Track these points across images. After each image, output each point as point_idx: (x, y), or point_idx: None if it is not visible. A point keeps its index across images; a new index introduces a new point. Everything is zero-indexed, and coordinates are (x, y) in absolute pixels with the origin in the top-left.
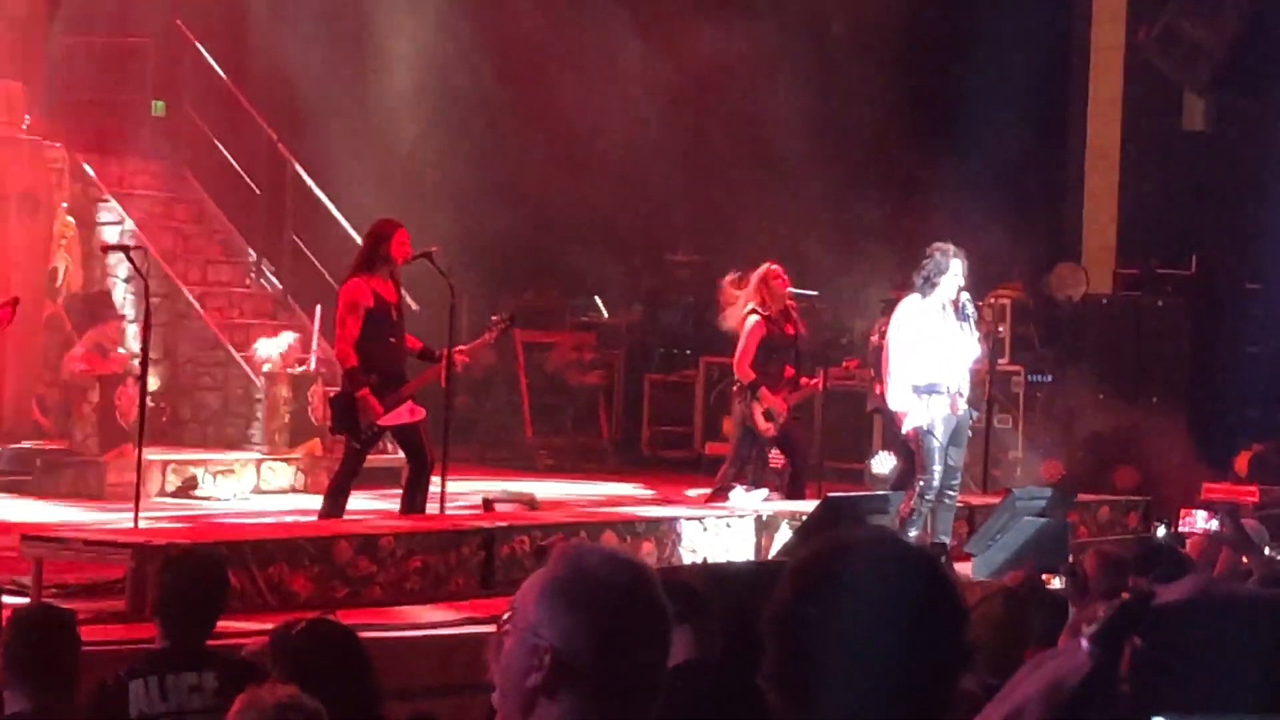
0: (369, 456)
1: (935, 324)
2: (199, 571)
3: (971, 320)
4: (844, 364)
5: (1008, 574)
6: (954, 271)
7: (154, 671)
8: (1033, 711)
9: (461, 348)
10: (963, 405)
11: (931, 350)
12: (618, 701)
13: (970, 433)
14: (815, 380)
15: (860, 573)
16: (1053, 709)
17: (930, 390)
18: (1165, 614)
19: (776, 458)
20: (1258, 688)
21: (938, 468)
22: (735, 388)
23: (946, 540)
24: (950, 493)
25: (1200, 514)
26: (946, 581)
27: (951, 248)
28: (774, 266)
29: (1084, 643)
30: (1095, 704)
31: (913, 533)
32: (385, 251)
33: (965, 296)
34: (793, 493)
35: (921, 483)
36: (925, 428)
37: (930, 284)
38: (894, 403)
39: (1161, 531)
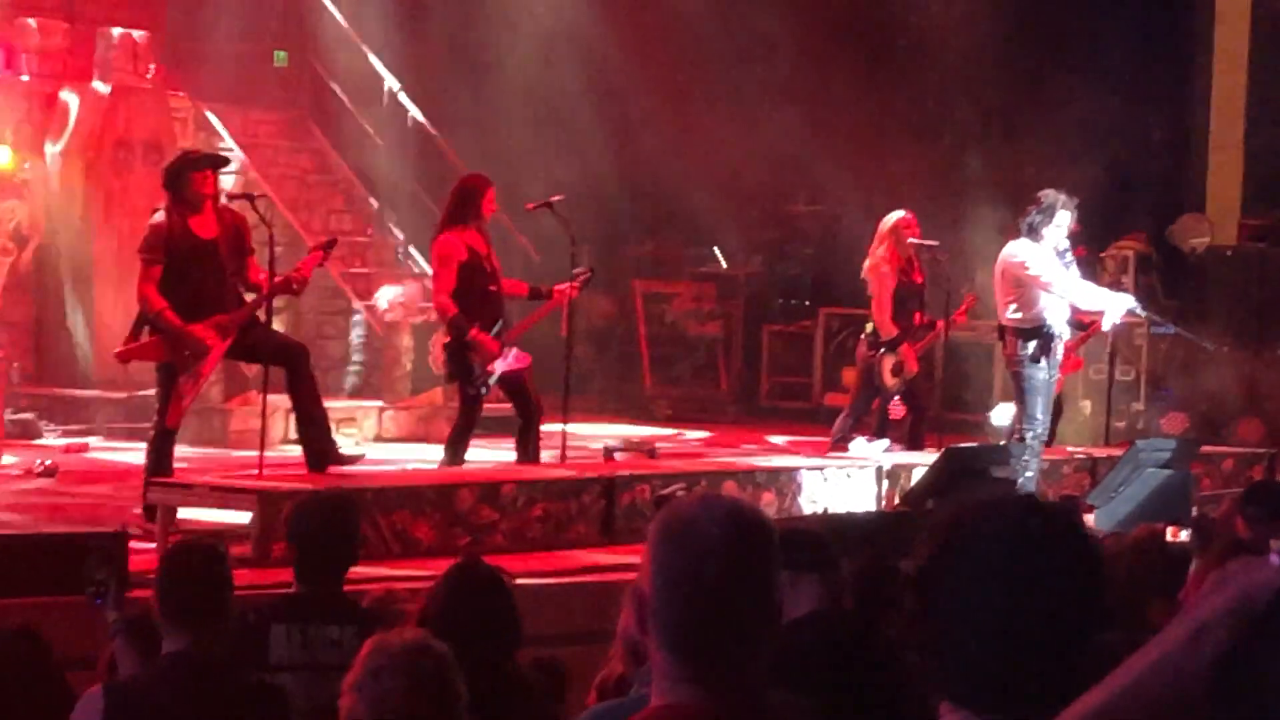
0: (491, 406)
1: (1052, 266)
2: (332, 515)
3: (1071, 266)
4: (965, 300)
5: (1134, 527)
6: (1059, 222)
7: (296, 620)
8: (1219, 627)
9: (568, 285)
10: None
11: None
12: (695, 645)
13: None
14: (936, 328)
15: (1001, 530)
16: (1240, 626)
17: (1039, 334)
18: None
19: (897, 408)
20: None
21: (1041, 415)
22: (864, 337)
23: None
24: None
25: None
26: (1086, 539)
27: (1062, 196)
28: (905, 215)
29: (1275, 557)
30: None
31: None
32: (476, 207)
33: (1066, 243)
34: (913, 444)
35: (1026, 427)
36: (1030, 370)
37: (1035, 232)
38: (1090, 304)
39: None
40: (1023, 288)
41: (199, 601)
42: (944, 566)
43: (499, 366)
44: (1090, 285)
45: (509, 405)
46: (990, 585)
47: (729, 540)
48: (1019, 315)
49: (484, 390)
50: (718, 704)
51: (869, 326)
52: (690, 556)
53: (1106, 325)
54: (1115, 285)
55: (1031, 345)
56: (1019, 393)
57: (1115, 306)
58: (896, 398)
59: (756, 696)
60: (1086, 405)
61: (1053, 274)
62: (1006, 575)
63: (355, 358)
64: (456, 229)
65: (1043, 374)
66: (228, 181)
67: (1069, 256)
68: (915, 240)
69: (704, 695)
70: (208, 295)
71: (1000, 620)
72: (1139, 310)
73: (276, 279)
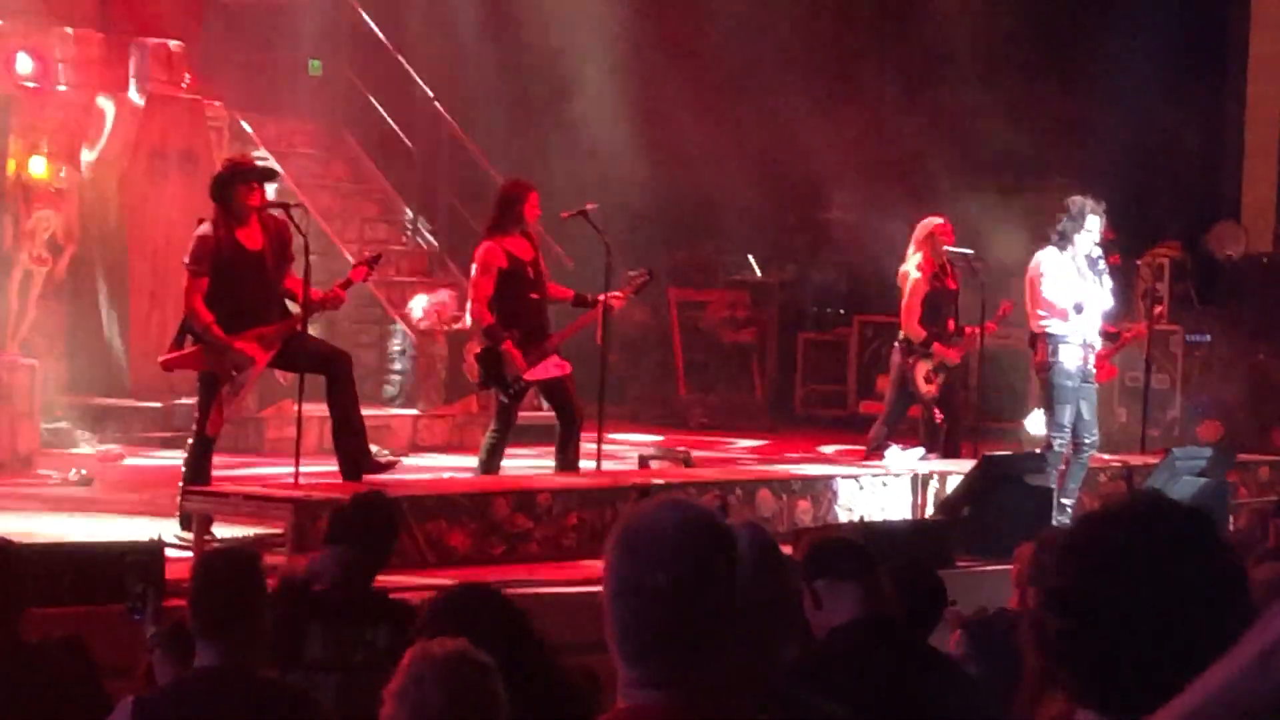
0: (525, 414)
1: (1073, 277)
2: (373, 514)
3: (1104, 274)
4: (1001, 307)
5: None
6: (1090, 227)
7: (332, 618)
8: None
9: (615, 293)
10: (1092, 359)
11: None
12: (649, 650)
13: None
14: (971, 333)
15: (1136, 538)
16: None
17: (1064, 341)
18: None
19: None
20: None
21: (1068, 423)
22: (897, 345)
23: (1069, 502)
24: (1086, 448)
25: None
26: (1220, 540)
27: (1089, 201)
28: (940, 221)
29: None
30: None
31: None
32: (519, 213)
33: (1098, 251)
34: (949, 452)
35: (1054, 435)
36: (1060, 379)
37: (1066, 239)
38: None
39: None
40: None
41: (231, 610)
42: (1080, 576)
43: (533, 375)
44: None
45: (545, 413)
46: (1127, 592)
47: (680, 544)
48: (1049, 323)
49: (517, 399)
50: (676, 708)
51: (902, 333)
52: (640, 562)
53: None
54: (1150, 292)
55: (1060, 353)
56: (1047, 401)
57: (1067, 360)
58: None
59: (718, 699)
60: (1122, 413)
61: (1052, 299)
62: (1144, 581)
63: (396, 366)
64: (498, 236)
65: (1071, 382)
66: (267, 192)
67: (1102, 265)
68: (951, 249)
69: (662, 699)
70: (254, 306)
71: (1138, 626)
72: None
73: (323, 294)
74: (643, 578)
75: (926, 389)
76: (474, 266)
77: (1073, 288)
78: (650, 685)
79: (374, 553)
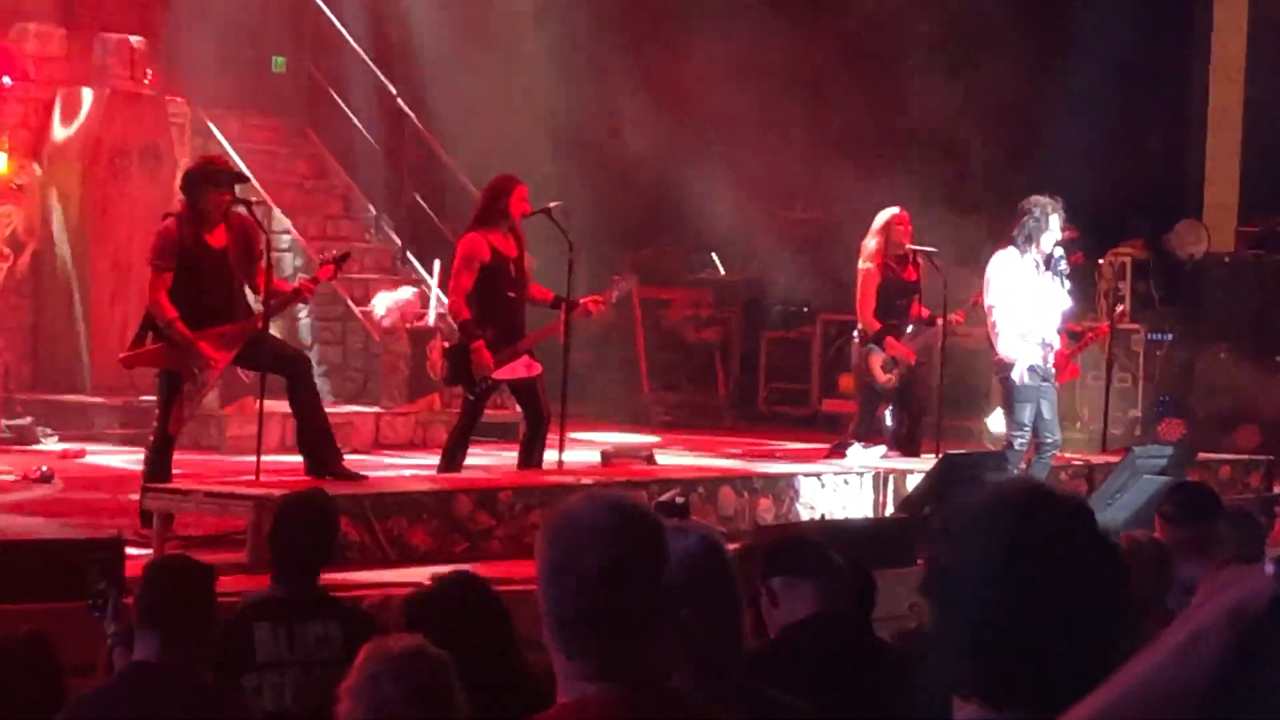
0: (488, 412)
1: (1031, 278)
2: (308, 513)
3: (1064, 274)
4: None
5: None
6: (1052, 227)
7: (279, 618)
8: (1213, 637)
9: (597, 297)
10: (1051, 358)
11: (1027, 304)
12: (583, 641)
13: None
14: (935, 327)
15: (1012, 525)
16: (1236, 634)
17: (1023, 340)
18: None
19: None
20: None
21: (1028, 422)
22: (855, 336)
23: None
24: (1047, 448)
25: None
26: (1096, 529)
27: (1049, 201)
28: (898, 212)
29: (1268, 565)
30: None
31: None
32: (504, 207)
33: (1059, 251)
34: (908, 449)
35: (1015, 434)
36: (1018, 380)
37: (1029, 240)
38: (1005, 349)
39: None
40: None
41: (172, 603)
42: (951, 561)
43: (502, 374)
44: (1017, 333)
45: (509, 411)
46: (1001, 579)
47: (608, 533)
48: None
49: (483, 398)
50: (616, 699)
51: (860, 325)
52: (571, 551)
53: (1015, 375)
54: (1112, 291)
55: (1019, 353)
56: (1007, 400)
57: (1022, 364)
58: (890, 404)
59: (654, 686)
60: (1084, 412)
61: (1001, 301)
62: (1014, 567)
63: (359, 364)
64: (481, 230)
65: (1031, 381)
66: None
67: (1063, 265)
68: (915, 247)
69: (603, 691)
70: (217, 304)
71: (1009, 612)
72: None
73: (287, 291)
74: (572, 563)
75: (886, 379)
76: (455, 258)
77: (1025, 293)
78: (589, 678)
79: (312, 551)
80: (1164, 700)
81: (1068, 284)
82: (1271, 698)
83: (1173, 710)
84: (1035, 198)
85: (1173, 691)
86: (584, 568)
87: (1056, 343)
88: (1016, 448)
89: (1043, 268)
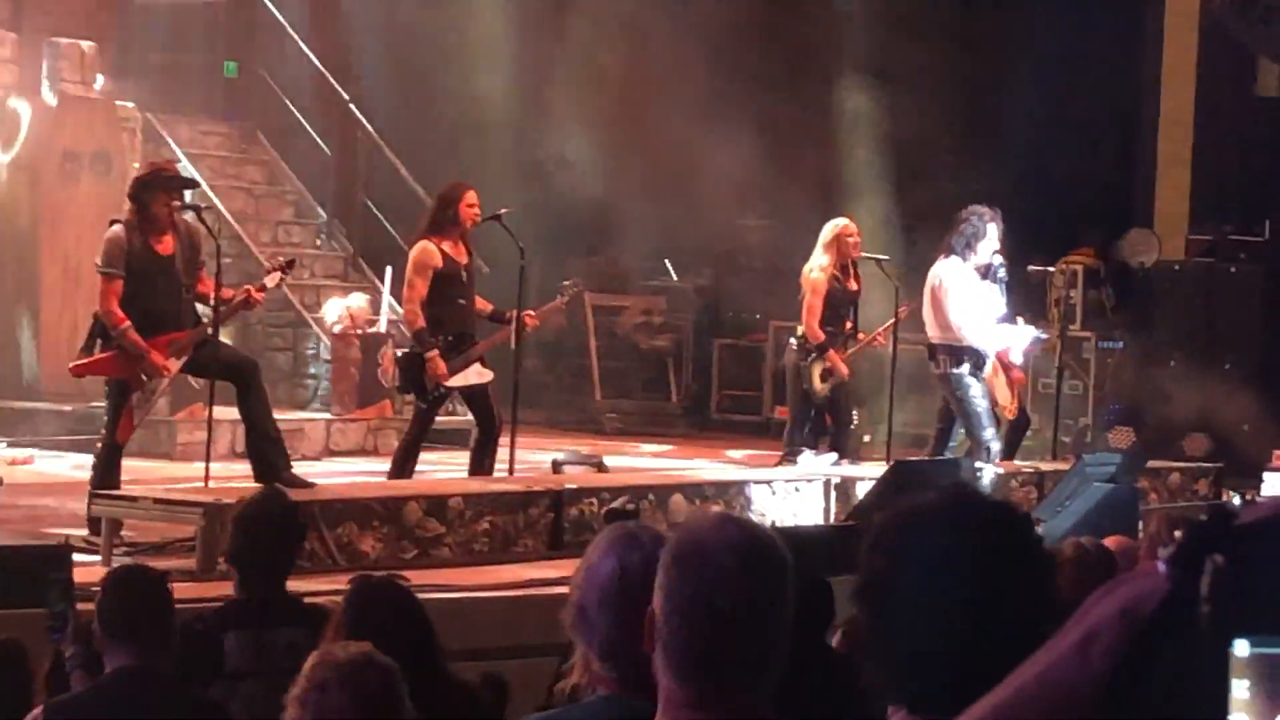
0: (439, 418)
1: (976, 286)
2: (274, 517)
3: (1002, 283)
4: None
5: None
6: (990, 235)
7: (248, 626)
8: (1106, 636)
9: (531, 311)
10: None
11: (973, 312)
12: (703, 672)
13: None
14: (878, 335)
15: (941, 531)
16: (1128, 633)
17: (968, 350)
18: (1247, 532)
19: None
20: None
21: (990, 426)
22: (793, 343)
23: None
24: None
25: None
26: (1030, 536)
27: (987, 211)
28: (846, 223)
29: (1161, 564)
30: (1174, 626)
31: None
32: (455, 213)
33: (998, 259)
34: (840, 456)
35: (982, 433)
36: (963, 388)
37: (970, 248)
38: (982, 343)
39: (1237, 502)
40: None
41: (138, 623)
42: (885, 570)
43: (455, 382)
44: (982, 326)
45: (462, 417)
46: (931, 587)
47: (744, 566)
48: (948, 333)
49: (435, 406)
50: None
51: (799, 330)
52: (702, 583)
53: (1016, 358)
54: (1063, 300)
55: (964, 363)
56: (960, 410)
57: (1018, 339)
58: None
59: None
60: (1034, 419)
61: (960, 310)
62: (947, 576)
63: (310, 370)
64: (433, 237)
65: (976, 387)
66: None
67: (1002, 273)
68: (868, 255)
69: (704, 716)
70: (165, 311)
71: (942, 622)
72: (1042, 335)
73: (235, 299)
74: (703, 596)
75: (821, 389)
76: (407, 266)
77: (978, 303)
78: (691, 705)
79: (278, 556)
80: (1060, 698)
81: (1005, 293)
82: (1164, 695)
83: (1069, 708)
84: (973, 207)
85: (1069, 690)
86: (715, 603)
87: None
88: (993, 449)
89: (981, 275)
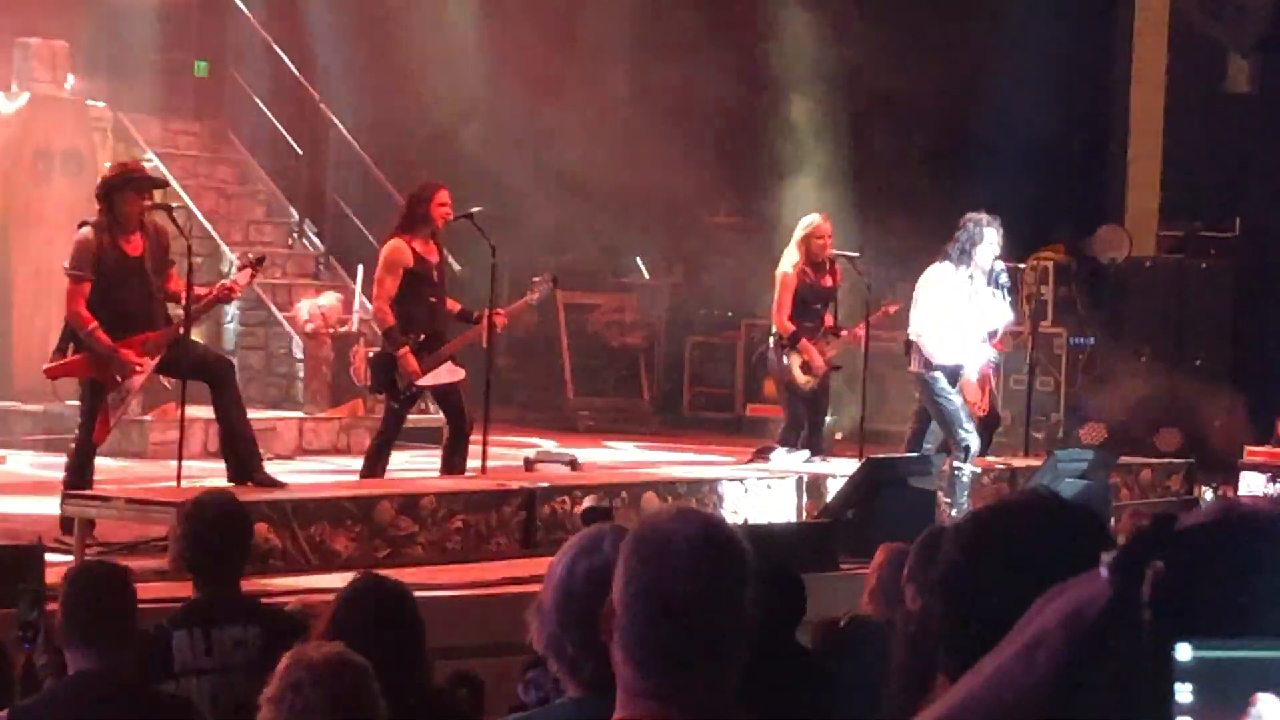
0: (410, 417)
1: (963, 293)
2: (220, 515)
3: (1005, 289)
4: (883, 308)
5: None
6: (989, 241)
7: (197, 624)
8: (1052, 641)
9: (500, 310)
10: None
11: (958, 316)
12: (660, 660)
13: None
14: (857, 330)
15: (1028, 532)
16: (1073, 638)
17: (939, 350)
18: (1188, 537)
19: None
20: None
21: (968, 425)
22: (772, 344)
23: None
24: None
25: (1259, 477)
26: (1104, 533)
27: (985, 217)
28: (820, 224)
29: (1104, 570)
30: (1117, 631)
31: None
32: (425, 212)
33: (999, 265)
34: (811, 453)
35: (961, 432)
36: (936, 386)
37: (965, 255)
38: (941, 356)
39: (1210, 496)
40: None
41: (102, 620)
42: (971, 571)
43: (426, 381)
44: (950, 338)
45: (434, 416)
46: (1016, 587)
47: (701, 556)
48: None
49: (407, 405)
50: (677, 718)
51: (773, 328)
52: (661, 570)
53: (970, 375)
54: (1034, 296)
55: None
56: (934, 409)
57: (973, 359)
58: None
59: (721, 714)
60: (1006, 416)
61: (933, 310)
62: (1032, 576)
63: (282, 369)
64: (404, 235)
65: (947, 386)
66: None
67: (1003, 279)
68: (839, 253)
69: (664, 710)
70: (135, 313)
71: (1018, 614)
72: (997, 358)
73: (207, 297)
74: (661, 586)
75: (804, 381)
76: (378, 263)
77: (953, 311)
78: (650, 696)
79: (229, 553)
80: (1008, 703)
81: (1009, 298)
82: (1108, 699)
83: (1016, 712)
84: (972, 214)
85: (1016, 694)
86: (672, 592)
87: (989, 355)
88: (972, 447)
89: (980, 283)
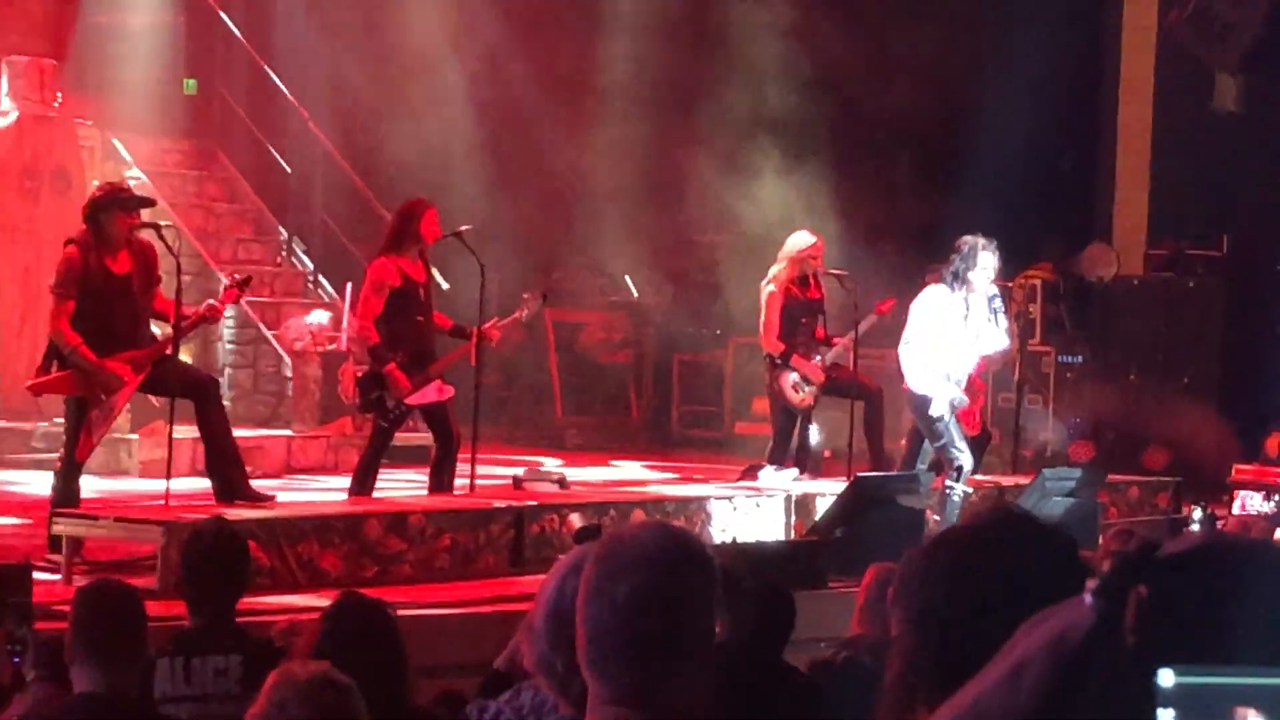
0: (398, 435)
1: (956, 316)
2: (216, 545)
3: (999, 313)
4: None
5: None
6: (984, 265)
7: (180, 652)
8: (1036, 667)
9: (491, 324)
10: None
11: (946, 342)
12: (620, 666)
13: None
14: (848, 338)
15: (1004, 558)
16: (1056, 664)
17: (930, 372)
18: (1171, 564)
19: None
20: (1267, 638)
21: (961, 445)
22: (766, 363)
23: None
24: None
25: (1254, 495)
26: (1079, 559)
27: (981, 240)
28: (815, 243)
29: (1087, 596)
30: (1100, 657)
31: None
32: (415, 230)
33: (994, 289)
34: (802, 467)
35: (953, 453)
36: (936, 415)
37: (960, 278)
38: (918, 386)
39: (1199, 514)
40: None
41: (115, 642)
42: (949, 599)
43: (415, 400)
44: (932, 370)
45: (421, 434)
46: (994, 614)
47: (647, 559)
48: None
49: (396, 424)
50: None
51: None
52: (609, 573)
53: (933, 411)
54: (1023, 315)
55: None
56: (927, 429)
57: (939, 401)
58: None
59: (685, 717)
60: (994, 434)
61: (921, 336)
62: (1010, 603)
63: (270, 387)
64: (391, 254)
65: (948, 415)
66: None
67: (998, 303)
68: (829, 271)
69: (617, 715)
70: (121, 331)
71: (979, 633)
72: (961, 402)
73: (192, 316)
74: (606, 584)
75: (800, 399)
76: (364, 282)
77: (948, 329)
78: (609, 701)
79: (222, 583)
80: None
81: (1005, 323)
82: None
83: None
84: (967, 237)
85: (1002, 716)
86: (616, 590)
87: (964, 381)
88: (965, 467)
89: (975, 306)
